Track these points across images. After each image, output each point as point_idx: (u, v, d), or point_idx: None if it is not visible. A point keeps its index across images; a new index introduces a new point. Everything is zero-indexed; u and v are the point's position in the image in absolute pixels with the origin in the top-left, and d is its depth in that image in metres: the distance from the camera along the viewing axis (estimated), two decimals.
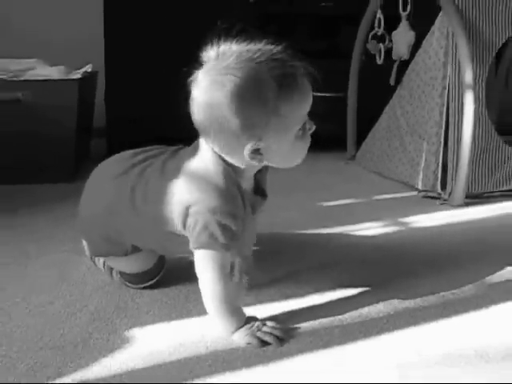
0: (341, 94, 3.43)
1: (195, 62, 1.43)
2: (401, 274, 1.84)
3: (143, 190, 1.55)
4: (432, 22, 2.70)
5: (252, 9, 3.41)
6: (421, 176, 2.76)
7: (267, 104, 1.38)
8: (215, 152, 1.48)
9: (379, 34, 3.14)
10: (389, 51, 3.09)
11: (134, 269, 1.68)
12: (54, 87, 2.83)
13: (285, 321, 1.53)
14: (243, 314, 1.49)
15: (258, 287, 1.72)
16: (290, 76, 1.40)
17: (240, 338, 1.44)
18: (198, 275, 1.47)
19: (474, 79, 2.50)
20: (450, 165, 2.63)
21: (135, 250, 1.64)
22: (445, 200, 2.62)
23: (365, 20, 3.22)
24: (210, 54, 1.42)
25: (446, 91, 2.63)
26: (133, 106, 3.38)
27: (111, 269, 1.71)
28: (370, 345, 1.43)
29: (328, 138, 3.37)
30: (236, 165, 1.49)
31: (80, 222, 1.72)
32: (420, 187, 2.76)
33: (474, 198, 2.64)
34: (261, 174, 1.60)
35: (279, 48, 1.42)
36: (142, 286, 1.71)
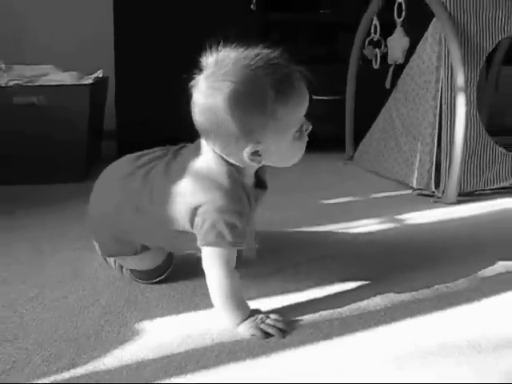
0: (339, 96, 3.43)
1: (196, 68, 1.44)
2: (397, 269, 1.84)
3: (149, 191, 1.55)
4: (425, 28, 2.70)
5: (254, 16, 3.41)
6: (415, 175, 2.76)
7: (265, 108, 1.39)
8: (217, 153, 1.48)
9: (375, 39, 3.13)
10: (384, 56, 3.08)
11: (144, 266, 1.69)
12: (66, 92, 2.84)
13: (287, 313, 1.52)
14: (248, 308, 1.49)
15: (261, 282, 1.72)
16: (287, 80, 1.41)
17: (244, 330, 1.44)
18: (206, 271, 1.47)
19: (466, 82, 2.50)
20: (443, 164, 2.63)
21: (144, 248, 1.64)
22: (438, 198, 2.61)
23: (361, 26, 3.21)
24: (209, 60, 1.42)
25: (439, 94, 2.62)
26: (141, 110, 3.38)
27: (121, 266, 1.71)
28: (368, 336, 1.43)
29: (327, 139, 3.37)
30: (237, 164, 1.49)
31: (89, 222, 1.73)
32: (415, 186, 2.76)
33: (466, 195, 2.64)
34: (261, 168, 1.60)
35: (276, 53, 1.42)
36: (152, 281, 1.71)
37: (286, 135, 1.46)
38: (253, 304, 1.52)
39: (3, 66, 3.02)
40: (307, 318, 1.52)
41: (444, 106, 2.61)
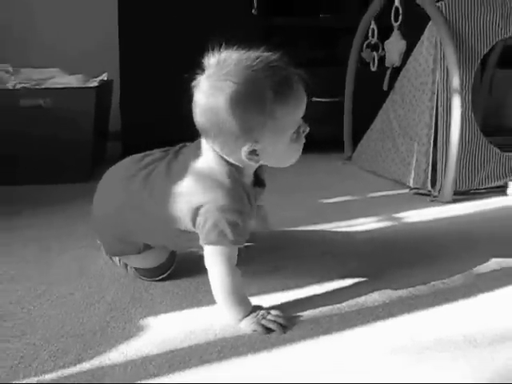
0: (338, 98, 3.43)
1: (198, 69, 1.44)
2: (394, 265, 1.84)
3: (151, 192, 1.55)
4: (422, 32, 2.70)
5: (255, 20, 3.41)
6: (412, 174, 2.76)
7: (263, 108, 1.39)
8: (217, 153, 1.49)
9: (373, 43, 3.14)
10: (382, 59, 3.08)
11: (147, 264, 1.69)
12: (72, 94, 2.84)
13: (287, 309, 1.52)
14: (249, 304, 1.49)
15: (262, 279, 1.72)
16: (285, 82, 1.41)
17: (246, 326, 1.44)
18: (208, 268, 1.48)
19: (461, 85, 2.50)
20: (439, 164, 2.63)
21: (147, 247, 1.64)
22: (435, 197, 2.61)
23: (360, 30, 3.21)
24: (211, 60, 1.43)
25: (435, 96, 2.62)
26: (145, 112, 3.38)
27: (126, 264, 1.71)
28: (367, 331, 1.43)
29: (326, 140, 3.39)
30: (236, 164, 1.49)
31: (93, 222, 1.73)
32: (411, 185, 2.76)
33: (462, 194, 2.64)
34: (259, 167, 1.60)
35: (275, 56, 1.43)
36: (155, 279, 1.71)
37: (284, 136, 1.46)
38: (254, 300, 1.52)
39: (11, 69, 3.02)
40: (307, 313, 1.52)
41: (440, 108, 2.61)
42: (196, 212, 1.46)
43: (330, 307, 1.55)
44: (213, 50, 1.43)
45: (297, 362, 1.30)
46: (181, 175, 1.51)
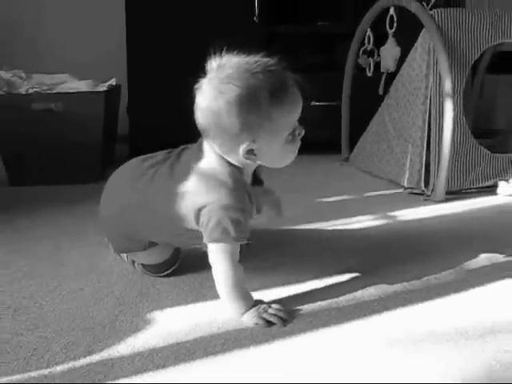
0: (335, 102, 3.42)
1: (201, 73, 1.45)
2: (389, 262, 1.84)
3: (155, 192, 1.56)
4: (415, 39, 2.70)
5: (256, 28, 3.41)
6: (406, 175, 2.76)
7: (261, 110, 1.40)
8: (218, 154, 1.49)
9: (369, 49, 3.13)
10: (377, 65, 3.08)
11: (153, 261, 1.69)
12: (82, 98, 2.84)
13: (288, 304, 1.53)
14: (251, 298, 1.49)
15: (264, 274, 1.72)
16: (282, 86, 1.42)
17: (248, 319, 1.44)
18: (212, 264, 1.48)
19: (453, 89, 2.50)
20: (432, 165, 2.63)
21: (152, 244, 1.64)
22: (428, 196, 2.61)
23: (356, 37, 3.21)
24: (212, 64, 1.44)
25: (428, 100, 2.62)
26: (152, 115, 3.39)
27: (133, 261, 1.71)
28: (363, 324, 1.43)
29: (324, 142, 3.39)
30: (237, 165, 1.50)
31: (101, 221, 1.73)
32: (406, 185, 2.75)
33: (454, 194, 2.63)
34: (257, 167, 1.60)
35: (273, 61, 1.44)
36: (161, 274, 1.71)
37: (279, 137, 1.47)
38: (256, 295, 1.52)
39: (23, 75, 3.02)
40: (307, 307, 1.52)
41: (433, 111, 2.61)
42: (200, 211, 1.46)
43: (329, 301, 1.55)
44: (215, 54, 1.44)
45: (297, 354, 1.30)
46: (184, 176, 1.51)
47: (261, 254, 1.87)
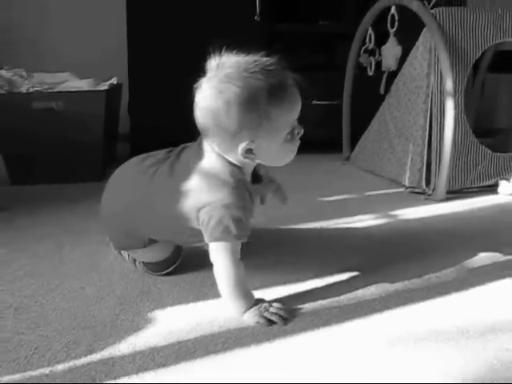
0: (337, 101, 3.43)
1: (202, 72, 1.45)
2: (390, 260, 1.84)
3: (155, 190, 1.57)
4: (417, 38, 2.70)
5: (258, 27, 3.41)
6: (407, 174, 2.76)
7: (259, 109, 1.40)
8: (218, 153, 1.50)
9: (370, 48, 3.13)
10: (379, 64, 3.08)
11: (154, 258, 1.69)
12: (83, 97, 2.84)
13: (289, 302, 1.53)
14: (252, 297, 1.49)
15: (265, 273, 1.72)
16: (280, 85, 1.43)
17: (249, 318, 1.44)
18: (213, 263, 1.48)
19: (454, 88, 2.50)
20: (433, 164, 2.63)
21: (152, 241, 1.65)
22: (429, 195, 2.61)
23: (357, 36, 3.21)
24: (212, 63, 1.45)
25: (430, 99, 2.62)
26: (153, 114, 3.39)
27: (135, 260, 1.72)
28: (364, 323, 1.44)
29: (325, 141, 3.39)
30: (236, 163, 1.50)
31: (102, 220, 1.74)
32: (407, 184, 2.76)
33: (455, 193, 2.64)
34: (257, 165, 1.61)
35: (272, 60, 1.44)
36: (162, 273, 1.72)
37: (278, 136, 1.47)
38: (257, 294, 1.52)
39: (24, 74, 3.02)
40: (308, 306, 1.52)
41: (434, 110, 2.61)
42: (200, 210, 1.47)
43: (330, 300, 1.56)
44: (214, 53, 1.44)
45: (298, 353, 1.30)
46: (184, 175, 1.52)
47: (261, 252, 1.87)
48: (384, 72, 3.05)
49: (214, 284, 1.50)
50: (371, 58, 3.13)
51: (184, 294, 1.60)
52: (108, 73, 3.20)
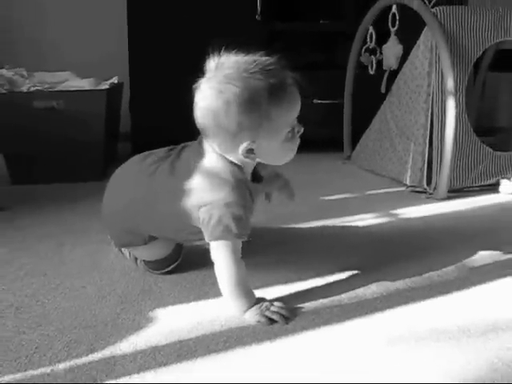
0: (338, 100, 3.42)
1: (202, 72, 1.45)
2: (391, 259, 1.84)
3: (156, 189, 1.57)
4: (418, 37, 2.70)
5: (259, 26, 3.41)
6: (409, 173, 2.76)
7: (259, 109, 1.41)
8: (219, 153, 1.50)
9: (371, 47, 3.13)
10: (380, 63, 3.08)
11: (155, 256, 1.69)
12: (84, 96, 2.84)
13: (290, 301, 1.53)
14: (253, 296, 1.49)
15: (266, 272, 1.72)
16: (280, 85, 1.43)
17: (251, 317, 1.44)
18: (214, 261, 1.48)
19: (455, 87, 2.50)
20: (434, 163, 2.63)
21: (153, 238, 1.65)
22: (430, 194, 2.61)
23: (358, 35, 3.21)
24: (211, 64, 1.45)
25: (431, 97, 2.62)
26: (154, 113, 3.39)
27: (136, 258, 1.72)
28: (366, 322, 1.44)
29: (326, 140, 3.39)
30: (237, 163, 1.51)
31: (103, 217, 1.74)
32: (408, 183, 2.76)
33: (456, 192, 2.64)
34: (258, 164, 1.61)
35: (272, 60, 1.45)
36: (163, 271, 1.72)
37: (278, 135, 1.48)
38: (258, 293, 1.52)
39: (25, 73, 3.03)
40: (309, 305, 1.52)
41: (435, 109, 2.61)
42: (201, 208, 1.47)
43: (331, 299, 1.56)
44: (214, 53, 1.44)
45: (299, 352, 1.30)
46: (185, 174, 1.52)
47: (262, 251, 1.87)
48: (385, 71, 3.05)
49: (214, 283, 1.50)
50: (372, 56, 3.13)
51: (185, 293, 1.60)
52: (109, 72, 3.20)
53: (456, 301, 1.55)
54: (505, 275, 1.72)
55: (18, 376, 1.20)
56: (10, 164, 2.82)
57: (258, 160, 1.52)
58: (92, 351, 1.30)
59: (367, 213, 2.34)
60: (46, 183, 2.77)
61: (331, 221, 2.24)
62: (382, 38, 3.02)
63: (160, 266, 1.71)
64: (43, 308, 1.51)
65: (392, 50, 2.95)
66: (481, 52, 2.67)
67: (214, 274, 1.49)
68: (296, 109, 1.49)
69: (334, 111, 3.45)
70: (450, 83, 2.48)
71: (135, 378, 1.20)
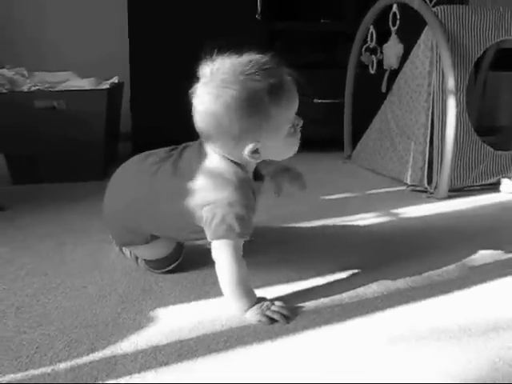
0: (338, 100, 3.42)
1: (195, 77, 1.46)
2: (392, 259, 1.84)
3: (158, 189, 1.58)
4: (418, 36, 2.70)
5: (259, 26, 3.41)
6: (409, 172, 2.76)
7: (261, 111, 1.42)
8: (221, 154, 1.51)
9: (371, 46, 3.13)
10: (380, 62, 3.08)
11: (156, 255, 1.69)
12: (85, 96, 2.84)
13: (291, 301, 1.53)
14: (254, 295, 1.49)
15: (266, 271, 1.72)
16: (278, 84, 1.44)
17: (252, 317, 1.44)
18: (216, 260, 1.48)
19: (456, 86, 2.50)
20: (435, 162, 2.63)
21: (154, 237, 1.65)
22: (431, 193, 2.61)
23: (359, 35, 3.21)
24: (205, 70, 1.45)
25: (431, 97, 2.62)
26: (155, 113, 3.38)
27: (137, 257, 1.72)
28: (366, 321, 1.44)
29: (327, 140, 3.39)
30: (239, 162, 1.51)
31: (105, 217, 1.74)
32: (409, 182, 2.76)
33: (457, 191, 2.64)
34: (259, 162, 1.61)
35: (267, 58, 1.45)
36: (164, 270, 1.72)
37: (281, 132, 1.49)
38: (259, 292, 1.52)
39: (25, 72, 3.02)
40: (310, 304, 1.52)
41: (436, 108, 2.61)
42: (204, 208, 1.47)
43: (332, 298, 1.56)
44: (207, 56, 1.45)
45: (300, 352, 1.30)
46: (188, 174, 1.52)
47: (264, 251, 1.87)
48: (385, 70, 3.05)
49: (215, 282, 1.50)
50: (373, 56, 3.13)
51: (186, 293, 1.60)
52: (109, 72, 3.20)
53: (457, 300, 1.55)
54: (505, 274, 1.72)
55: (19, 376, 1.20)
56: (10, 164, 2.81)
57: (262, 158, 1.52)
58: (93, 351, 1.29)
59: (368, 212, 2.34)
60: (47, 183, 2.77)
61: (332, 220, 2.24)
62: (383, 38, 3.03)
63: (161, 265, 1.71)
64: (44, 307, 1.50)
65: (393, 50, 2.95)
66: (482, 51, 2.67)
67: (214, 273, 1.49)
68: (295, 104, 1.50)
69: (334, 111, 3.45)
70: (450, 82, 2.48)
71: (136, 377, 1.20)
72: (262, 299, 1.49)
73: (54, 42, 3.85)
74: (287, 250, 1.93)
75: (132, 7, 3.35)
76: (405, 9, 2.81)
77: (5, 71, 2.95)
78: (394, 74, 2.97)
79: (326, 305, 1.52)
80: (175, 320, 1.45)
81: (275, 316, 1.43)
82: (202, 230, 1.50)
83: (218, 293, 1.51)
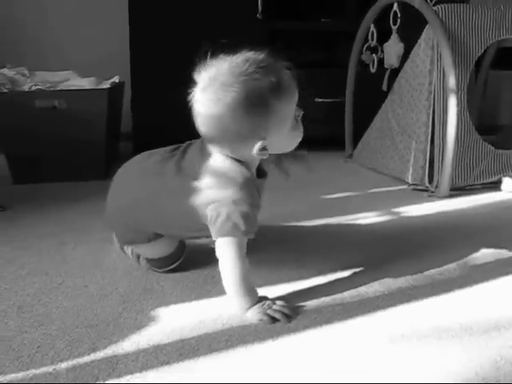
0: (339, 99, 3.42)
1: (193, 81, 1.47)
2: (393, 257, 1.84)
3: (161, 188, 1.58)
4: (419, 35, 2.70)
5: (260, 25, 3.41)
6: (410, 171, 2.76)
7: (264, 108, 1.43)
8: (224, 153, 1.51)
9: (372, 45, 3.13)
10: (381, 61, 3.08)
11: (158, 254, 1.69)
12: (85, 96, 2.83)
13: (292, 300, 1.53)
14: (256, 294, 1.49)
15: (268, 270, 1.72)
16: (278, 79, 1.44)
17: (253, 316, 1.44)
18: (219, 258, 1.48)
19: (457, 85, 2.50)
20: (436, 161, 2.63)
21: (157, 236, 1.65)
22: (432, 192, 2.61)
23: (360, 34, 3.21)
24: (203, 74, 1.46)
25: (432, 96, 2.62)
26: (156, 113, 3.38)
27: (138, 256, 1.71)
28: (368, 320, 1.43)
29: (328, 139, 3.39)
30: (243, 160, 1.52)
31: (107, 216, 1.74)
32: (410, 181, 2.76)
33: (458, 190, 2.64)
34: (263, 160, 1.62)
35: (263, 55, 1.46)
36: (166, 269, 1.72)
37: (285, 127, 1.50)
38: (260, 291, 1.52)
39: (26, 72, 3.02)
40: (311, 303, 1.52)
41: (437, 107, 2.61)
42: (209, 206, 1.48)
43: (333, 297, 1.55)
44: (202, 60, 1.45)
45: (301, 351, 1.30)
46: (192, 174, 1.53)
47: (265, 249, 1.87)
48: (386, 69, 3.05)
49: (217, 281, 1.51)
50: (373, 55, 3.13)
51: (187, 292, 1.60)
52: (110, 71, 3.20)
53: (458, 299, 1.55)
54: (507, 273, 1.72)
55: (20, 375, 1.20)
56: (11, 163, 2.81)
57: (269, 153, 1.53)
58: (94, 350, 1.29)
59: (369, 211, 2.34)
60: (48, 182, 2.76)
61: (333, 219, 2.24)
62: (384, 37, 3.03)
63: (163, 263, 1.71)
64: (45, 307, 1.50)
65: (393, 49, 2.95)
66: (482, 50, 2.67)
67: (216, 272, 1.49)
68: (295, 98, 1.51)
69: (335, 109, 3.44)
70: (451, 81, 2.48)
71: (137, 377, 1.20)
72: (264, 298, 1.49)
73: (54, 42, 3.85)
74: (288, 248, 1.93)
75: (133, 7, 3.35)
76: (405, 7, 2.81)
77: (6, 71, 2.95)
78: (395, 72, 2.97)
79: (327, 304, 1.52)
80: (176, 319, 1.44)
81: (276, 315, 1.43)
82: (206, 228, 1.50)
83: (219, 292, 1.52)
